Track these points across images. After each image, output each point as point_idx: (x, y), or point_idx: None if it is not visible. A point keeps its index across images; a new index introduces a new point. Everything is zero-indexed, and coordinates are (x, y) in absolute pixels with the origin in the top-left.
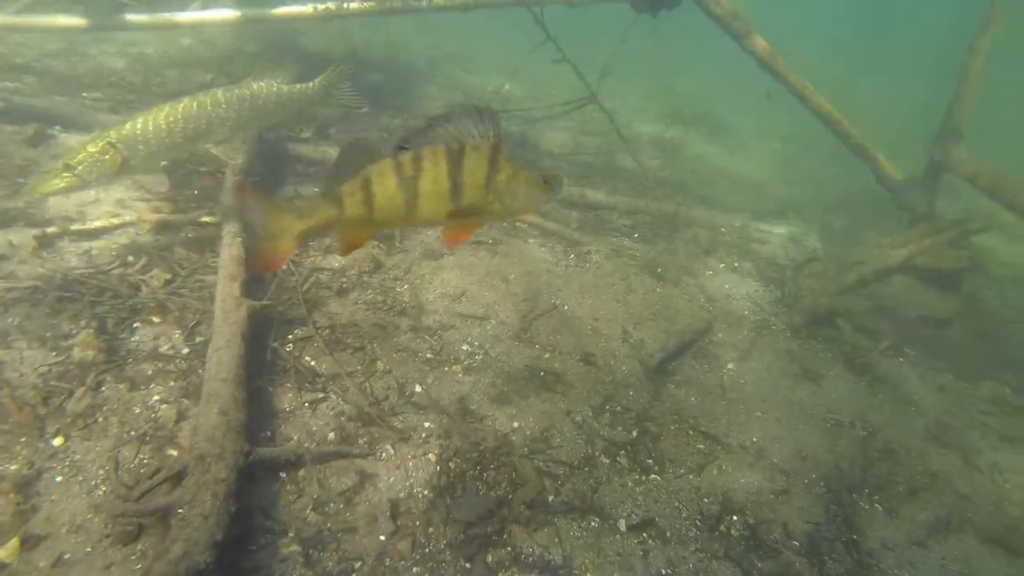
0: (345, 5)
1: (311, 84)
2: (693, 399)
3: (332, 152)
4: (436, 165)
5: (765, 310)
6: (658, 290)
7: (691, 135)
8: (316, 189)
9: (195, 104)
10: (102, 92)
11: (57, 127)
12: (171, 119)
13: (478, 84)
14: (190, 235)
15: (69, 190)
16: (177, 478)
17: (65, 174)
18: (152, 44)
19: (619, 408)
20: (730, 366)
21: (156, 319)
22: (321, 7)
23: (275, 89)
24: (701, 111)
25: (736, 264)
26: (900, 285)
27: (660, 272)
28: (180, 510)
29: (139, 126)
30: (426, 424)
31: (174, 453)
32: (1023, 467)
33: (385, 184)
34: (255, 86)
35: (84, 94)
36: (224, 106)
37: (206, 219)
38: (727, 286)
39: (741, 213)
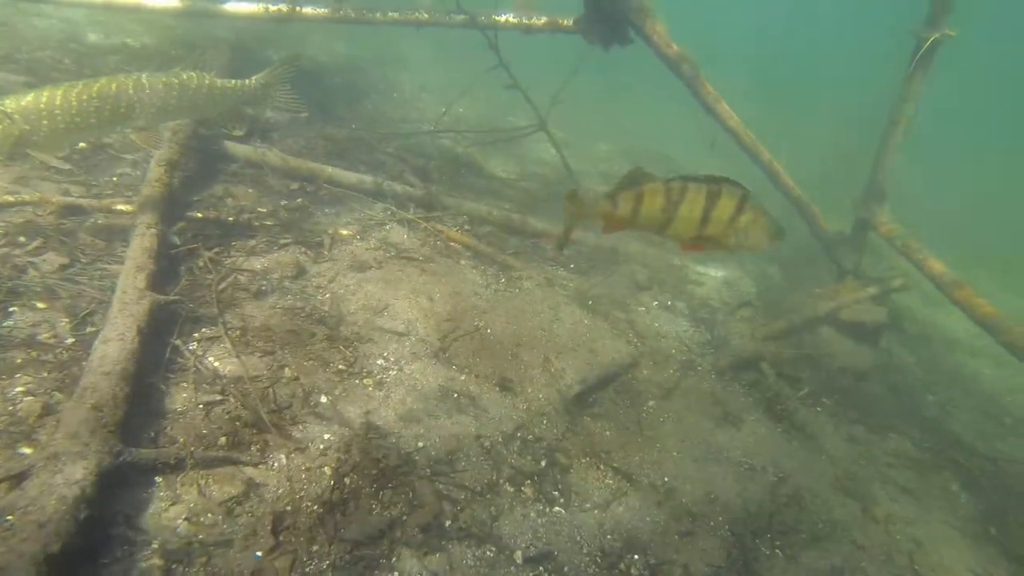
0: (297, 8)
1: (248, 81)
2: (609, 433)
3: (271, 156)
4: (696, 198)
5: (693, 351)
6: (586, 322)
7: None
8: (250, 190)
9: (114, 85)
10: (24, 67)
11: None
12: (84, 97)
13: (432, 102)
14: (100, 222)
15: None
16: (19, 479)
17: None
18: (97, 31)
19: (531, 437)
20: (651, 403)
21: (41, 304)
22: (273, 8)
23: (207, 81)
24: (651, 151)
25: (669, 303)
26: (825, 335)
27: (591, 304)
28: (9, 517)
29: (44, 99)
30: (326, 436)
31: (28, 451)
32: (915, 518)
33: (653, 200)
34: (184, 75)
35: None
36: (148, 91)
37: (121, 207)
38: (657, 324)
39: (676, 253)
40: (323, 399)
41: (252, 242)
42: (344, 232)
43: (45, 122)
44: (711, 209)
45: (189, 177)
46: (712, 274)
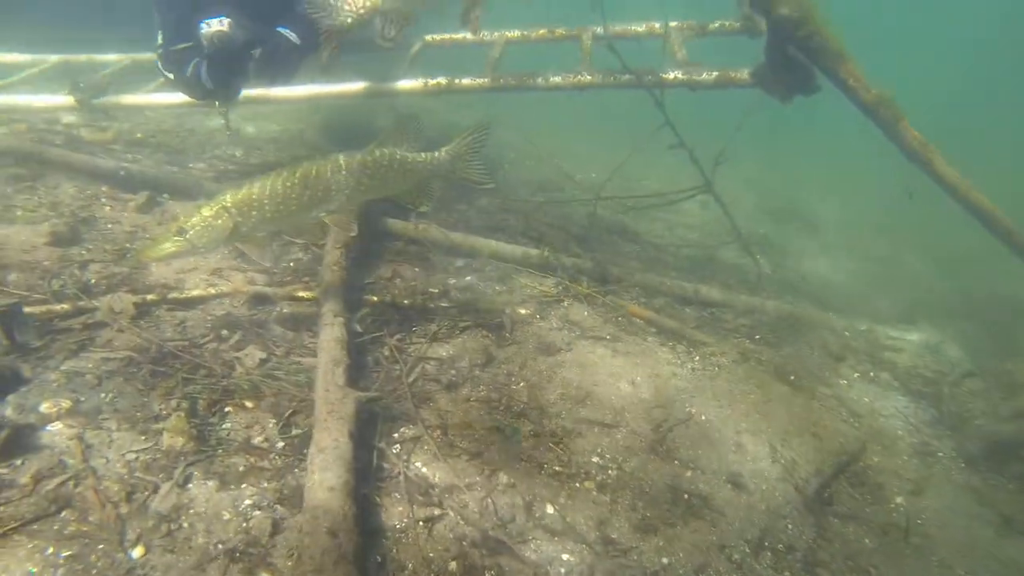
0: (456, 81)
1: (437, 154)
2: (867, 540)
3: (434, 231)
4: None
5: (923, 432)
6: (798, 401)
7: (788, 231)
8: (416, 269)
9: (315, 169)
10: (206, 163)
11: (166, 194)
12: (288, 184)
13: (567, 166)
14: (285, 310)
15: (178, 255)
16: None
17: (176, 238)
18: (251, 122)
19: (780, 546)
20: (899, 500)
21: (249, 404)
22: (432, 82)
23: (398, 157)
24: (796, 205)
25: (872, 374)
26: None
27: (793, 380)
28: None
29: (255, 190)
30: (564, 556)
31: None
32: None
33: None
34: (378, 153)
35: (191, 165)
36: (344, 172)
37: (302, 294)
38: (867, 399)
39: (860, 316)
40: (548, 509)
41: (432, 327)
42: (522, 311)
43: (254, 212)
44: None
45: (357, 258)
46: (907, 338)
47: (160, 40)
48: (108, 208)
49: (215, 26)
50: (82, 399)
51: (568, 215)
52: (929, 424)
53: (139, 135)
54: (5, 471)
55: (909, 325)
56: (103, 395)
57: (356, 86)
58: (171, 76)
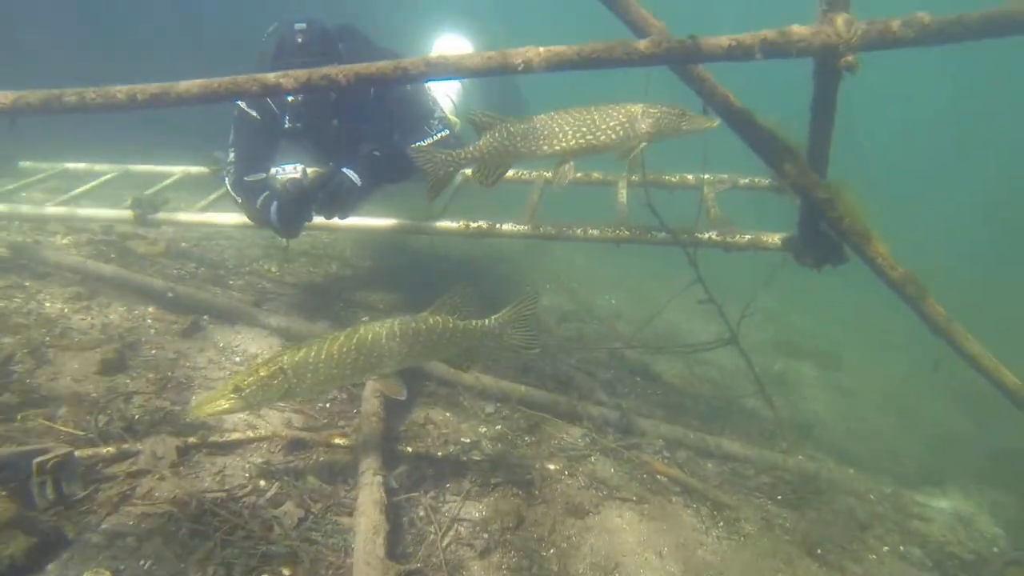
0: (497, 226)
1: (487, 322)
2: None
3: (465, 376)
4: None
5: None
6: None
7: (803, 370)
8: (447, 414)
9: (370, 335)
10: (244, 280)
11: (206, 317)
12: (344, 350)
13: (586, 297)
14: (321, 458)
15: (232, 412)
16: None
17: (232, 395)
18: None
19: None
20: None
21: (286, 571)
22: (473, 225)
23: (451, 325)
24: (818, 345)
25: (902, 548)
26: None
27: (820, 554)
28: None
29: (312, 354)
30: None
31: None
32: None
33: None
34: (431, 321)
35: (231, 282)
36: (398, 339)
37: (339, 441)
38: None
39: (884, 473)
40: None
41: (465, 483)
42: (551, 467)
43: (309, 375)
44: None
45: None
46: (936, 505)
47: (231, 158)
48: (153, 331)
49: (290, 173)
50: (122, 567)
51: (595, 354)
52: None
53: (183, 244)
54: None
55: (936, 488)
56: (142, 562)
57: (399, 222)
58: (239, 200)
